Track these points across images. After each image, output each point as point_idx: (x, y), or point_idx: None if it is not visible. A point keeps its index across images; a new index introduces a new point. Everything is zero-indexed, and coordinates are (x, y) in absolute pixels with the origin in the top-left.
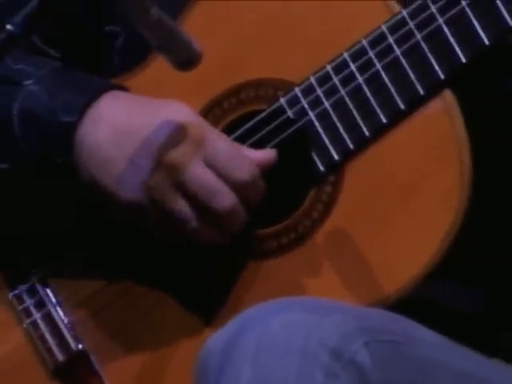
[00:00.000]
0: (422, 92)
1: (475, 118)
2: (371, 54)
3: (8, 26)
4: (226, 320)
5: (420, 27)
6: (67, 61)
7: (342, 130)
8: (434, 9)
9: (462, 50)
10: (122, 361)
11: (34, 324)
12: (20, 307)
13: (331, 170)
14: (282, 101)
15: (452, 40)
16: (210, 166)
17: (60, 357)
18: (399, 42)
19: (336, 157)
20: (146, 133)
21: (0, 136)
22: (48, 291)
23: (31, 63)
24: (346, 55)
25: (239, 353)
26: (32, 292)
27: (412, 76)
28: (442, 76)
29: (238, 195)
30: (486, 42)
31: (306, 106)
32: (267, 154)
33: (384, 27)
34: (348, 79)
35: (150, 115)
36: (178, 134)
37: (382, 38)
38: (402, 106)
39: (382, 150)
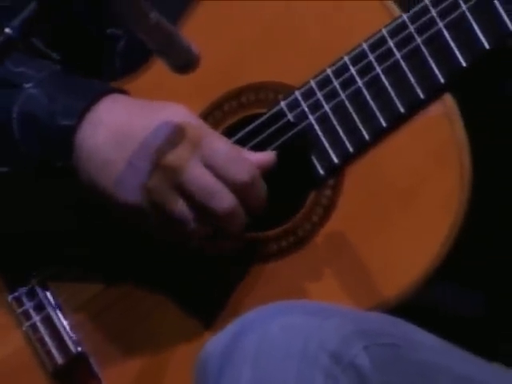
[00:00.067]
0: (422, 96)
1: (475, 122)
2: (371, 57)
3: (6, 30)
4: (225, 323)
5: (420, 31)
6: (68, 64)
7: (341, 133)
8: (434, 13)
9: (462, 54)
10: (122, 364)
11: (34, 327)
12: (19, 310)
13: (331, 173)
14: (283, 104)
15: (452, 44)
16: (209, 167)
17: (59, 359)
18: (399, 46)
19: (336, 160)
20: (144, 135)
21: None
22: (48, 294)
23: (31, 66)
24: (346, 59)
25: (239, 356)
26: (31, 295)
27: (412, 80)
28: (442, 80)
29: (238, 197)
30: (487, 46)
31: (306, 109)
32: (267, 156)
33: (384, 31)
34: (348, 83)
35: (149, 117)
36: (176, 135)
37: (382, 41)
38: (402, 110)
39: (382, 154)
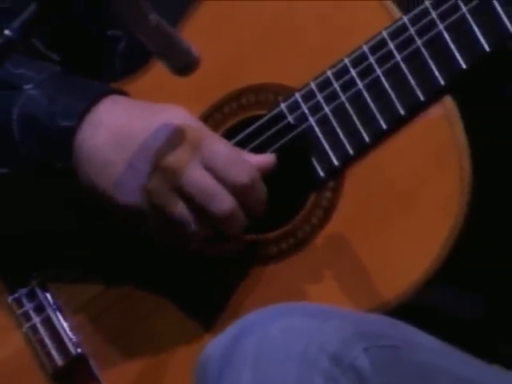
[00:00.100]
0: (422, 98)
1: (475, 124)
2: (372, 59)
3: (6, 32)
4: (225, 325)
5: (420, 33)
6: (69, 65)
7: (341, 135)
8: (434, 15)
9: (462, 56)
10: (122, 365)
11: (34, 328)
12: (19, 311)
13: (331, 175)
14: (283, 106)
15: (452, 46)
16: (209, 169)
17: (59, 361)
18: (400, 48)
19: (336, 162)
20: (144, 136)
21: (0, 140)
22: (47, 295)
23: (31, 68)
24: (346, 61)
25: (239, 358)
26: (31, 296)
27: (412, 82)
28: (443, 82)
29: (238, 199)
30: (487, 48)
31: (306, 111)
32: (267, 158)
33: (385, 33)
34: (348, 85)
35: (149, 119)
36: (175, 137)
37: (382, 43)
38: (402, 112)
39: (382, 156)
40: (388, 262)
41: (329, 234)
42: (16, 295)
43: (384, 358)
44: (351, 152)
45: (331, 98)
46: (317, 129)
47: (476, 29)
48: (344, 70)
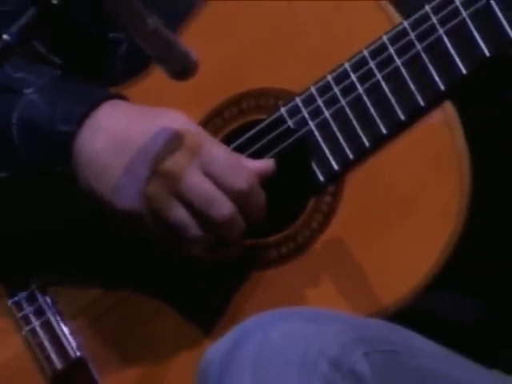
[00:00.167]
0: (422, 103)
1: (475, 130)
2: (372, 64)
3: (5, 36)
4: (225, 329)
5: (421, 38)
6: (70, 68)
7: (341, 140)
8: (434, 20)
9: (462, 61)
10: (121, 369)
11: (33, 331)
12: (19, 314)
13: (331, 180)
14: (283, 110)
15: (452, 51)
16: (208, 174)
17: (58, 364)
18: (400, 53)
19: (336, 167)
20: (143, 141)
21: None
22: (47, 299)
23: (32, 72)
24: (346, 65)
25: (239, 363)
26: (31, 299)
27: (412, 87)
28: (443, 87)
29: (237, 204)
30: (487, 53)
31: (306, 115)
32: (266, 164)
33: (385, 38)
34: (348, 89)
35: (148, 124)
36: (174, 142)
37: (382, 48)
38: (402, 117)
39: (382, 161)
40: (387, 267)
41: (328, 238)
42: (16, 298)
43: (383, 362)
44: (351, 156)
45: (331, 102)
46: (317, 133)
47: (476, 34)
48: (344, 75)
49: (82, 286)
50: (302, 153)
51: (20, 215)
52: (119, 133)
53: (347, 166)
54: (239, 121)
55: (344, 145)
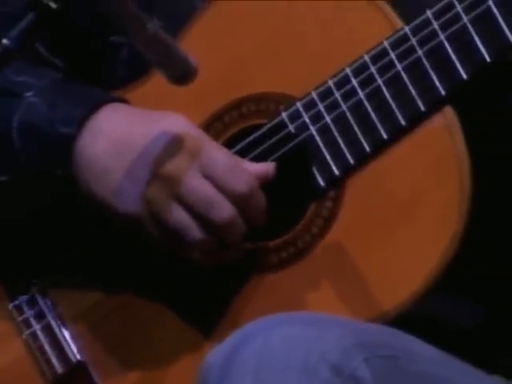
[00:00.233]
0: (422, 108)
1: (475, 134)
2: (373, 69)
3: (4, 41)
4: (225, 333)
5: (422, 43)
6: (71, 70)
7: (342, 145)
8: (435, 25)
9: (463, 66)
10: (121, 373)
11: (34, 335)
12: (20, 318)
13: (332, 185)
14: (284, 115)
15: (453, 56)
16: (208, 177)
17: (59, 368)
18: (401, 58)
19: (336, 172)
20: (143, 144)
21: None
22: (48, 302)
23: (32, 74)
24: (347, 70)
25: (239, 368)
26: (32, 303)
27: (413, 92)
28: (443, 92)
29: (237, 207)
30: (488, 58)
31: (307, 120)
32: (266, 167)
33: (386, 43)
34: (349, 94)
35: (148, 126)
36: (174, 145)
37: (383, 53)
38: (403, 122)
39: (383, 166)
40: (388, 272)
41: (329, 243)
42: (16, 302)
43: (384, 368)
44: (352, 161)
45: (332, 107)
46: (317, 138)
47: (477, 39)
48: (345, 80)
49: (82, 289)
50: (303, 158)
51: (20, 218)
52: (120, 136)
53: (348, 170)
54: (240, 125)
55: (345, 150)
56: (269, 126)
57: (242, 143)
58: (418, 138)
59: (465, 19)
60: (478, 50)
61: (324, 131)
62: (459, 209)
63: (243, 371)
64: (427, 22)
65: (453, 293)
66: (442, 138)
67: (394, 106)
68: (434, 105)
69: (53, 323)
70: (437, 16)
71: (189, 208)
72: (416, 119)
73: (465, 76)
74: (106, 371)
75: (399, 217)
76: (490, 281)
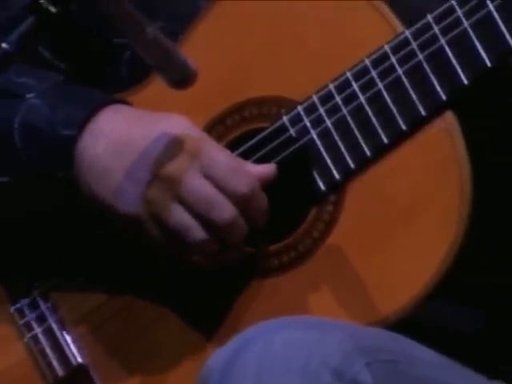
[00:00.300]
0: (423, 113)
1: (476, 139)
2: (373, 73)
3: (3, 45)
4: (226, 338)
5: (422, 47)
6: (74, 73)
7: (343, 149)
8: (436, 29)
9: (463, 71)
10: (123, 376)
11: (35, 338)
12: (21, 321)
13: (332, 189)
14: (285, 119)
15: (454, 61)
16: (208, 177)
17: (60, 371)
18: (401, 62)
19: (337, 176)
20: (144, 145)
21: (1, 149)
22: (49, 305)
23: (34, 76)
24: (348, 74)
25: (240, 372)
26: (33, 306)
27: (414, 96)
28: (444, 97)
29: (239, 208)
30: (488, 63)
31: (308, 124)
32: (267, 169)
33: (387, 47)
34: (350, 98)
35: (149, 128)
36: (174, 146)
37: (384, 57)
38: (404, 127)
39: (383, 170)
40: (388, 276)
41: (330, 247)
42: (18, 305)
43: (385, 372)
44: (352, 166)
45: (333, 111)
46: (318, 142)
47: (477, 44)
48: (346, 84)
49: (84, 292)
50: (304, 162)
51: (21, 220)
52: (120, 137)
53: (348, 175)
54: (241, 129)
55: (345, 154)
56: (270, 129)
57: (243, 147)
58: (418, 143)
59: (465, 24)
60: (479, 54)
61: (325, 135)
62: (459, 213)
63: (244, 375)
64: (428, 27)
65: (453, 297)
66: (442, 142)
67: (394, 110)
68: (434, 109)
69: (54, 326)
70: (437, 20)
71: (189, 208)
72: (417, 124)
73: (465, 81)
74: (106, 374)
75: (399, 221)
76: (491, 286)
